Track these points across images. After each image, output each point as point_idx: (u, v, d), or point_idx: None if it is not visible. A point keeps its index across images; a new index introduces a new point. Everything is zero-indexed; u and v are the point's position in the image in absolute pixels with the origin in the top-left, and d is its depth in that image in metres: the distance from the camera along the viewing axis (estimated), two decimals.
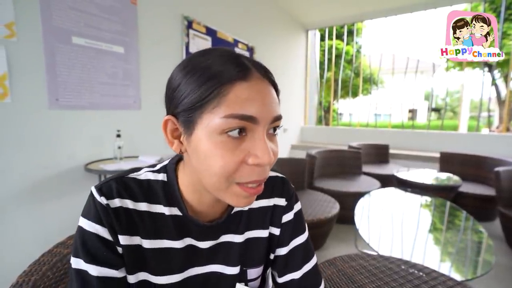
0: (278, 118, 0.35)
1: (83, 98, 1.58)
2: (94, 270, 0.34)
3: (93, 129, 1.64)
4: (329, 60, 5.47)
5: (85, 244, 0.35)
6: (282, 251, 0.47)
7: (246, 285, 0.44)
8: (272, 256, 0.48)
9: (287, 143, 4.30)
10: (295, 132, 4.58)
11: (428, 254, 1.19)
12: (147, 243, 0.38)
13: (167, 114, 0.36)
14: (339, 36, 6.37)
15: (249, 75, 0.32)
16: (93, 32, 1.60)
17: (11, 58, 1.28)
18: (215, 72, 0.31)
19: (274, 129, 0.36)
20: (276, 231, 0.47)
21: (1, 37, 1.24)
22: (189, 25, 2.28)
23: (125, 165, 1.50)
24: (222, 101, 0.31)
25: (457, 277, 0.98)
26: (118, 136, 1.63)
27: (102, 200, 0.35)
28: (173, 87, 0.35)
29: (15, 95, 1.30)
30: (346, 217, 2.09)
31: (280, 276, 0.47)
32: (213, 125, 0.31)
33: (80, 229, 0.35)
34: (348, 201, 2.05)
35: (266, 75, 0.35)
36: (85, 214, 0.36)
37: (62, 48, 1.46)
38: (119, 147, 1.62)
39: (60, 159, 1.49)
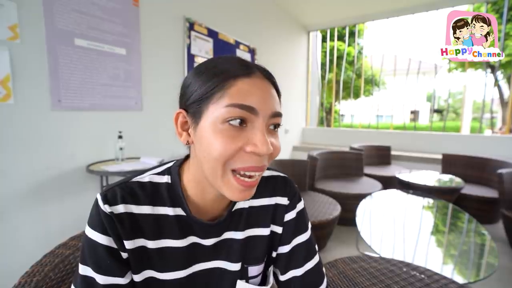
0: (278, 114, 0.37)
1: (85, 99, 1.58)
2: (100, 279, 0.36)
3: (95, 130, 1.65)
4: (331, 61, 5.48)
5: (91, 254, 0.36)
6: (284, 249, 0.48)
7: (247, 282, 0.45)
8: (274, 254, 0.49)
9: (288, 144, 4.30)
10: (297, 133, 4.57)
11: (430, 256, 1.18)
12: (152, 244, 0.40)
13: (180, 108, 0.40)
14: (341, 38, 6.36)
15: (251, 73, 0.36)
16: (95, 34, 1.61)
17: (15, 60, 1.29)
18: (222, 70, 0.36)
19: (275, 127, 0.38)
20: (278, 229, 0.48)
21: (4, 39, 1.25)
22: (191, 26, 2.29)
23: (126, 166, 1.51)
24: (226, 93, 0.34)
25: (460, 280, 0.98)
26: (120, 137, 1.64)
27: (106, 208, 0.36)
28: (185, 86, 0.39)
29: (18, 96, 1.31)
30: (347, 219, 2.08)
31: (282, 274, 0.48)
32: (217, 114, 0.34)
33: (86, 238, 0.37)
34: (350, 203, 2.05)
35: (268, 77, 0.38)
36: (90, 223, 0.37)
37: (65, 49, 1.47)
38: (121, 148, 1.63)
39: (62, 160, 1.50)
